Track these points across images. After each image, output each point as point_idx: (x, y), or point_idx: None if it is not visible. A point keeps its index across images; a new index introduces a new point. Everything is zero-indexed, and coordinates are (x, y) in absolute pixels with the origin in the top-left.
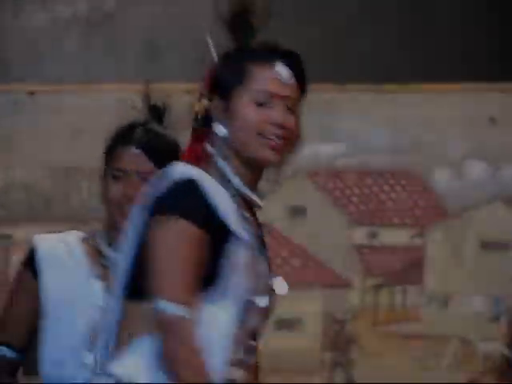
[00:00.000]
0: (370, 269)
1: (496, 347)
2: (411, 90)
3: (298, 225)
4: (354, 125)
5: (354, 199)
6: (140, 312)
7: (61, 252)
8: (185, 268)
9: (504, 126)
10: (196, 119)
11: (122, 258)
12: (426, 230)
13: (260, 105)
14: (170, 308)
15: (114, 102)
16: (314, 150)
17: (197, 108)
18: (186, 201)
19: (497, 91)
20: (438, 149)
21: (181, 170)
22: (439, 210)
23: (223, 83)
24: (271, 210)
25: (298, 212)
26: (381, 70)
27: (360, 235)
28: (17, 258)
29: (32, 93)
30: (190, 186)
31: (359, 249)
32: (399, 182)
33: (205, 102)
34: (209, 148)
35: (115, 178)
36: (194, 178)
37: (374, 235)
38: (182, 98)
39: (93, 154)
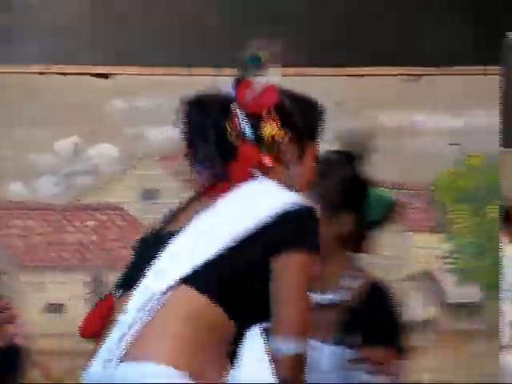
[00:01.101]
0: None
1: None
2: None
3: (150, 208)
4: None
5: None
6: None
7: None
8: (308, 305)
9: (350, 111)
10: (264, 141)
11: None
12: None
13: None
14: (299, 348)
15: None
16: (169, 135)
17: (272, 133)
18: (314, 233)
19: (343, 76)
20: None
21: (287, 195)
22: None
23: (300, 131)
24: (125, 193)
25: (150, 195)
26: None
27: None
28: None
29: None
30: (312, 216)
31: None
32: None
33: (281, 133)
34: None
35: None
36: (311, 207)
37: None
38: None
39: None
